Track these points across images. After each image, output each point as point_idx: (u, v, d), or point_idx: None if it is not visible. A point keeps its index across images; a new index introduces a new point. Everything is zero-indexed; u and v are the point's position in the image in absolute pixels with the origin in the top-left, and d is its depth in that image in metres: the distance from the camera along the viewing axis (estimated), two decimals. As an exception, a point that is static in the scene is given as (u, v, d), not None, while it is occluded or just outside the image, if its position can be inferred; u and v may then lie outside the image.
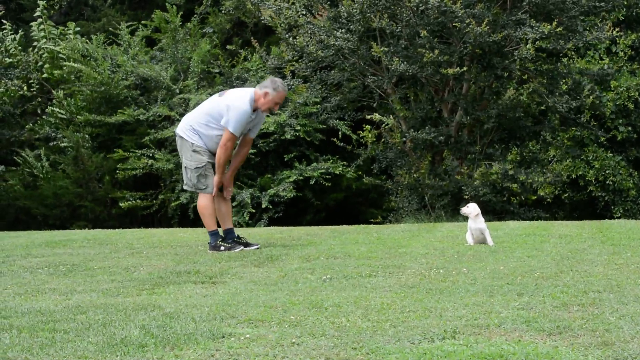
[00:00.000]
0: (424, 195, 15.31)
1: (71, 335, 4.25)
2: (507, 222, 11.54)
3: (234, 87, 15.90)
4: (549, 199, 18.01)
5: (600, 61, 18.65)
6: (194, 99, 15.88)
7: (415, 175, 15.26)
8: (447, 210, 14.86)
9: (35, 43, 18.56)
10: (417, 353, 3.80)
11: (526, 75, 15.96)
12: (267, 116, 9.62)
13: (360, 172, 16.47)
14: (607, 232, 8.92)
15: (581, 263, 6.54)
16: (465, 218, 8.19)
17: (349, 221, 13.32)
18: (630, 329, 4.17)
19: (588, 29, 15.81)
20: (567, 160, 18.28)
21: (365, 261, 6.93)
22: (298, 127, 16.10)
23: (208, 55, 17.40)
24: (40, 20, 18.54)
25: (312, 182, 16.03)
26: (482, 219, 7.92)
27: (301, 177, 16.03)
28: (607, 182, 18.39)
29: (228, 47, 18.35)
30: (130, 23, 18.57)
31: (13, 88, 17.90)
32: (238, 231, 8.52)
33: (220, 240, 8.01)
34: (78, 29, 18.65)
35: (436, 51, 14.34)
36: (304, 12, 15.66)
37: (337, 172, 16.21)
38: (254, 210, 15.69)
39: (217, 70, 17.45)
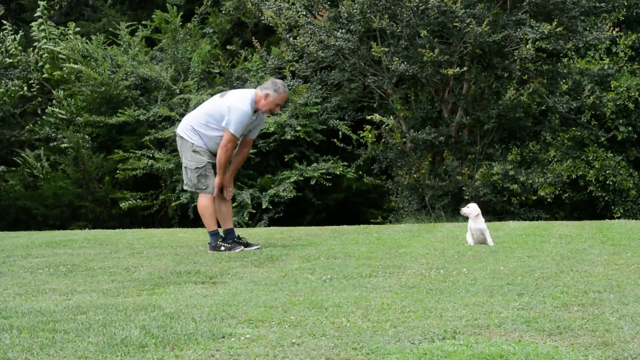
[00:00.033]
0: (424, 196, 15.31)
1: (71, 336, 4.25)
2: (508, 223, 11.53)
3: (234, 87, 15.91)
4: (549, 199, 17.99)
5: (600, 61, 18.64)
6: (194, 99, 15.87)
7: (415, 175, 15.26)
8: (447, 211, 14.85)
9: (35, 43, 18.56)
10: (417, 353, 3.80)
11: (526, 76, 15.95)
12: (268, 116, 9.61)
13: (360, 173, 16.46)
14: (607, 232, 8.92)
15: (581, 263, 6.54)
16: (466, 218, 8.19)
17: (349, 221, 13.33)
18: (631, 329, 4.17)
19: (588, 29, 15.81)
20: (568, 161, 18.26)
21: (365, 261, 6.93)
22: (298, 128, 16.09)
23: (208, 55, 17.39)
24: (40, 20, 18.54)
25: (312, 182, 16.03)
26: (482, 219, 7.92)
27: (301, 178, 16.03)
28: (608, 182, 18.39)
29: (228, 47, 18.33)
30: (130, 23, 18.56)
31: (13, 88, 17.90)
32: (238, 231, 8.51)
33: (220, 240, 8.01)
34: (78, 29, 18.65)
35: (436, 51, 14.34)
36: (304, 13, 15.65)
37: (338, 173, 16.20)
38: (254, 211, 15.69)
39: (217, 71, 17.44)
